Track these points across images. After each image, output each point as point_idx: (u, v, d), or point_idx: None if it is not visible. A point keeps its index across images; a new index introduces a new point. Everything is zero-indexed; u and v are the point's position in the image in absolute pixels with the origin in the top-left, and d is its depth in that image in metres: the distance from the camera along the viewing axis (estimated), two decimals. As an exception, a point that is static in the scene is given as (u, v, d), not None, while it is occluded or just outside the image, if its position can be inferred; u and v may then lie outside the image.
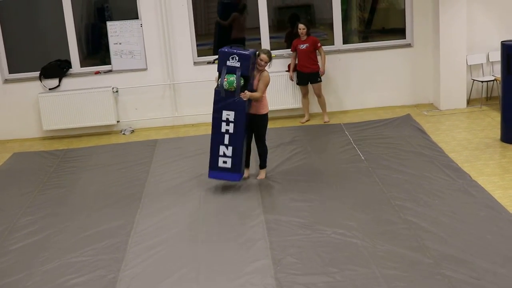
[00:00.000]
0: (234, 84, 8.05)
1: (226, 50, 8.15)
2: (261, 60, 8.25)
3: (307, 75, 11.14)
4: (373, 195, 7.91)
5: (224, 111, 8.17)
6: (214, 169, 8.37)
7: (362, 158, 9.21)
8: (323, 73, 11.13)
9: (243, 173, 8.57)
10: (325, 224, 7.18)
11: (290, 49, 11.36)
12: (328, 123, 11.13)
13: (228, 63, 8.07)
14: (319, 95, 11.28)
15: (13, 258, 7.00)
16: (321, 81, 11.18)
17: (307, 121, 11.33)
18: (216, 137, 8.28)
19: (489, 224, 6.91)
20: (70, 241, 7.31)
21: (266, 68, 8.39)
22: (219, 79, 8.17)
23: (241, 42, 11.88)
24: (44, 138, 11.68)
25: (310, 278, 6.08)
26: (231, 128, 8.21)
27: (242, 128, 8.22)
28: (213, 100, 8.26)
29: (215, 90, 8.23)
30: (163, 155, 10.11)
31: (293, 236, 6.97)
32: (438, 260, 6.21)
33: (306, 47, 10.99)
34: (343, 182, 8.44)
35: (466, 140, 9.75)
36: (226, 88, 8.07)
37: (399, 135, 10.11)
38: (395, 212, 7.35)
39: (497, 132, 9.88)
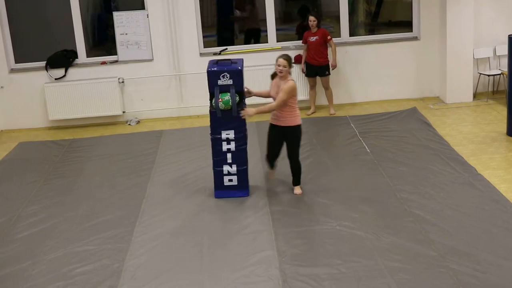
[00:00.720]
0: (230, 103, 7.66)
1: (215, 69, 7.70)
2: (279, 65, 7.45)
3: (316, 68, 11.13)
4: (378, 187, 7.91)
5: (223, 131, 7.81)
6: (220, 189, 8.01)
7: (368, 150, 9.21)
8: (335, 66, 11.13)
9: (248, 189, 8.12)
10: (330, 216, 7.18)
11: (299, 41, 11.35)
12: (334, 115, 11.12)
13: (220, 82, 7.67)
14: (326, 88, 11.27)
15: (19, 246, 7.03)
16: (329, 74, 11.17)
17: (313, 113, 11.32)
18: (218, 158, 7.92)
19: (494, 217, 6.92)
20: (75, 230, 7.33)
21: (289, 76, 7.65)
22: (213, 100, 7.74)
23: (256, 33, 12.06)
24: (49, 128, 11.70)
25: (314, 270, 6.09)
26: (232, 146, 7.86)
27: (244, 145, 7.95)
28: (209, 122, 7.87)
29: (210, 111, 7.81)
30: (168, 145, 10.12)
31: (298, 227, 6.98)
32: (442, 253, 6.21)
33: (316, 39, 10.98)
34: (348, 174, 8.44)
35: (472, 133, 9.73)
36: (222, 108, 7.68)
37: (405, 128, 10.10)
38: (400, 204, 7.35)
39: (503, 126, 9.85)
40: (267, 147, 7.99)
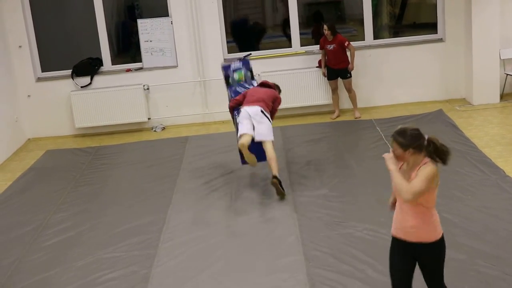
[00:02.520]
0: (243, 74, 9.13)
1: (226, 63, 9.26)
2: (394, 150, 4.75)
3: (336, 71, 11.10)
4: (405, 191, 7.84)
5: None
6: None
7: (394, 154, 9.14)
8: (352, 68, 11.06)
9: None
10: (357, 220, 7.14)
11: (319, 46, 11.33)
12: (360, 118, 11.08)
13: (232, 66, 9.23)
14: (349, 90, 11.22)
15: (47, 254, 7.08)
16: (350, 76, 11.12)
17: (337, 116, 11.29)
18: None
19: (524, 220, 6.84)
20: (103, 237, 7.37)
21: None
22: (230, 79, 9.18)
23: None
24: (76, 136, 11.79)
25: (342, 275, 6.06)
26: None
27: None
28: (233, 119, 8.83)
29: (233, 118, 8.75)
30: (194, 151, 10.15)
31: (324, 232, 6.95)
32: (471, 256, 6.15)
33: (333, 47, 10.94)
34: (374, 178, 8.39)
35: (500, 135, 9.63)
36: (237, 79, 9.12)
37: (431, 131, 9.81)
38: (428, 208, 7.28)
39: (531, 127, 9.76)
40: (390, 273, 4.95)
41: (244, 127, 8.14)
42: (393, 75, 11.62)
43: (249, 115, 8.18)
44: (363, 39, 11.73)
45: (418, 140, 4.62)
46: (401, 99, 11.71)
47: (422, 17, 12.46)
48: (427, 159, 4.63)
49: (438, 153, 4.62)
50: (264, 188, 8.38)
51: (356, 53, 11.21)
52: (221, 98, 11.40)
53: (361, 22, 11.76)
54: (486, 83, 11.22)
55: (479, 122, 10.34)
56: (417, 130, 4.67)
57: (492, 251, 6.20)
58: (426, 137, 4.64)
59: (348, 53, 11.05)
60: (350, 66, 11.03)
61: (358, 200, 7.72)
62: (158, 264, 6.62)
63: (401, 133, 4.65)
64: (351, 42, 11.00)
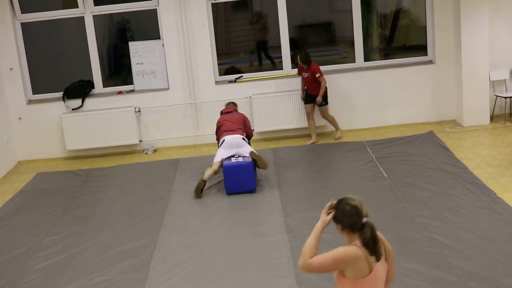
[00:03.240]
0: None
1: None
2: None
3: (312, 96, 11.03)
4: (397, 212, 7.87)
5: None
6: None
7: (385, 175, 9.17)
8: (319, 101, 10.92)
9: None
10: (349, 242, 7.13)
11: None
12: (339, 140, 11.14)
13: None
14: (325, 118, 11.27)
15: (38, 277, 7.04)
16: (326, 104, 11.09)
17: (314, 143, 11.19)
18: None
19: (515, 241, 6.85)
20: (94, 260, 7.34)
21: None
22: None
23: (265, 44, 12.52)
24: (67, 158, 11.77)
25: (334, 297, 6.04)
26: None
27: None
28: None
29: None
30: (185, 173, 10.14)
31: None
32: (463, 278, 6.15)
33: (307, 76, 10.96)
34: (366, 199, 8.28)
35: (490, 156, 9.68)
36: None
37: (422, 152, 10.06)
38: (419, 229, 7.30)
39: (521, 148, 9.81)
40: None
41: (219, 156, 9.32)
42: (383, 97, 11.67)
43: (235, 144, 9.30)
44: (354, 61, 11.79)
45: (351, 219, 3.98)
46: (392, 120, 11.75)
47: (412, 39, 12.55)
48: (358, 242, 3.91)
49: (370, 242, 3.89)
50: (255, 210, 8.38)
51: (347, 75, 11.29)
52: (213, 120, 11.38)
53: (351, 44, 11.83)
54: (476, 104, 11.28)
55: (470, 144, 10.39)
56: (355, 208, 3.98)
57: (484, 273, 6.20)
58: (365, 220, 3.94)
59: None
60: (318, 98, 10.93)
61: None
62: (150, 287, 6.59)
63: (338, 203, 4.07)
64: (323, 75, 10.93)
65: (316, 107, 11.16)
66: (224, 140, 9.38)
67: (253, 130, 10.68)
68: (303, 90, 11.23)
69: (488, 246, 6.76)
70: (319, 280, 6.36)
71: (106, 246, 7.68)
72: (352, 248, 3.88)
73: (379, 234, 3.98)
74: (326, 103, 11.10)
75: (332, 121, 11.33)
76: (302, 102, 11.30)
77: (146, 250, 7.45)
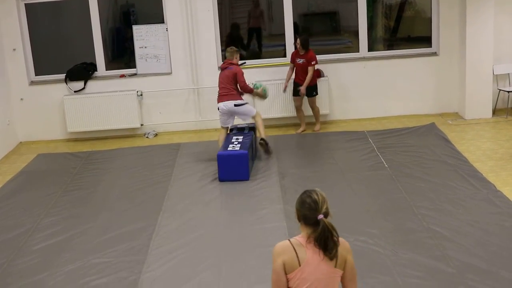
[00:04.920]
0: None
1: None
2: None
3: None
4: (396, 203, 7.87)
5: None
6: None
7: (386, 166, 9.17)
8: (303, 93, 10.82)
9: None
10: (347, 231, 7.12)
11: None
12: (319, 131, 11.09)
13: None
14: (312, 108, 11.19)
15: (36, 258, 7.05)
16: (316, 94, 11.06)
17: (303, 131, 11.18)
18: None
19: (514, 234, 6.85)
20: (92, 242, 7.34)
21: None
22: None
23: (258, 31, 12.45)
24: (68, 140, 11.77)
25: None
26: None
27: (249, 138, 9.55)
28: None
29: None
30: (186, 158, 10.14)
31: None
32: (461, 270, 6.15)
33: (303, 62, 10.80)
34: (366, 189, 8.40)
35: (491, 150, 9.67)
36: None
37: (423, 144, 10.05)
38: (418, 220, 7.30)
39: (522, 142, 9.80)
40: None
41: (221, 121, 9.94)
42: (386, 88, 11.66)
43: (227, 110, 9.71)
44: (358, 51, 11.77)
45: (307, 211, 3.82)
46: (394, 111, 11.74)
47: (416, 30, 12.52)
48: (309, 236, 3.82)
49: (321, 241, 3.78)
50: (255, 197, 8.38)
51: (351, 64, 11.29)
52: (214, 105, 11.40)
53: (356, 34, 11.80)
54: (479, 98, 11.26)
55: (471, 137, 10.38)
56: (315, 202, 3.80)
57: (482, 266, 6.20)
58: (320, 216, 3.78)
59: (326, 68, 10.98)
60: (301, 89, 10.80)
61: (349, 211, 7.71)
62: (147, 270, 6.59)
63: (303, 192, 3.92)
64: (318, 63, 10.89)
65: (305, 98, 11.05)
66: (218, 107, 9.80)
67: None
68: (288, 80, 11.09)
69: (486, 239, 6.76)
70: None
71: (104, 229, 7.69)
72: (281, 243, 3.85)
73: (342, 241, 3.91)
74: (317, 93, 11.05)
75: (317, 114, 11.26)
76: (289, 94, 11.25)
77: (145, 234, 7.45)
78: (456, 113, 11.71)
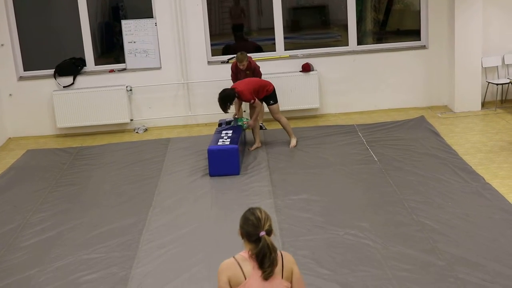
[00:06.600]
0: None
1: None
2: None
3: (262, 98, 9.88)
4: (386, 196, 7.88)
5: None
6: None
7: (375, 159, 9.19)
8: (251, 125, 9.97)
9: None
10: (338, 225, 7.16)
11: (308, 50, 11.20)
12: (295, 147, 10.00)
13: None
14: (278, 119, 10.02)
15: (26, 254, 7.03)
16: (274, 103, 9.89)
17: (256, 148, 10.05)
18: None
19: (503, 227, 6.87)
20: (83, 238, 7.33)
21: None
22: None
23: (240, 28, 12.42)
24: (58, 136, 11.73)
25: (322, 279, 6.06)
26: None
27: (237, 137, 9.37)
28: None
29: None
30: (176, 153, 10.13)
31: (305, 236, 6.95)
32: (450, 262, 6.18)
33: (248, 74, 10.32)
34: (356, 183, 8.42)
35: (480, 142, 9.70)
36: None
37: (413, 137, 10.08)
38: (408, 213, 7.32)
39: (511, 135, 9.82)
40: None
41: None
42: (376, 81, 11.67)
43: None
44: (347, 45, 11.78)
45: (250, 228, 3.84)
46: (384, 105, 11.76)
47: (405, 23, 12.53)
48: (249, 253, 3.84)
49: (259, 258, 3.79)
50: (245, 191, 8.38)
51: (340, 58, 11.36)
52: (205, 100, 11.43)
53: (345, 27, 11.81)
54: (468, 91, 11.30)
55: (460, 130, 10.41)
56: (258, 220, 3.83)
57: (471, 258, 6.23)
58: (262, 233, 3.78)
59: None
60: (250, 123, 9.91)
61: (339, 204, 7.73)
62: (138, 265, 6.59)
63: (247, 210, 3.95)
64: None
65: (265, 107, 10.07)
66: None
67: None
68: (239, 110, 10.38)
69: (476, 231, 6.79)
70: (307, 261, 6.37)
71: (95, 224, 7.67)
72: (226, 260, 3.92)
73: (285, 253, 3.94)
74: (275, 101, 9.88)
75: (286, 125, 10.05)
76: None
77: (135, 229, 7.44)
78: (446, 106, 11.74)
